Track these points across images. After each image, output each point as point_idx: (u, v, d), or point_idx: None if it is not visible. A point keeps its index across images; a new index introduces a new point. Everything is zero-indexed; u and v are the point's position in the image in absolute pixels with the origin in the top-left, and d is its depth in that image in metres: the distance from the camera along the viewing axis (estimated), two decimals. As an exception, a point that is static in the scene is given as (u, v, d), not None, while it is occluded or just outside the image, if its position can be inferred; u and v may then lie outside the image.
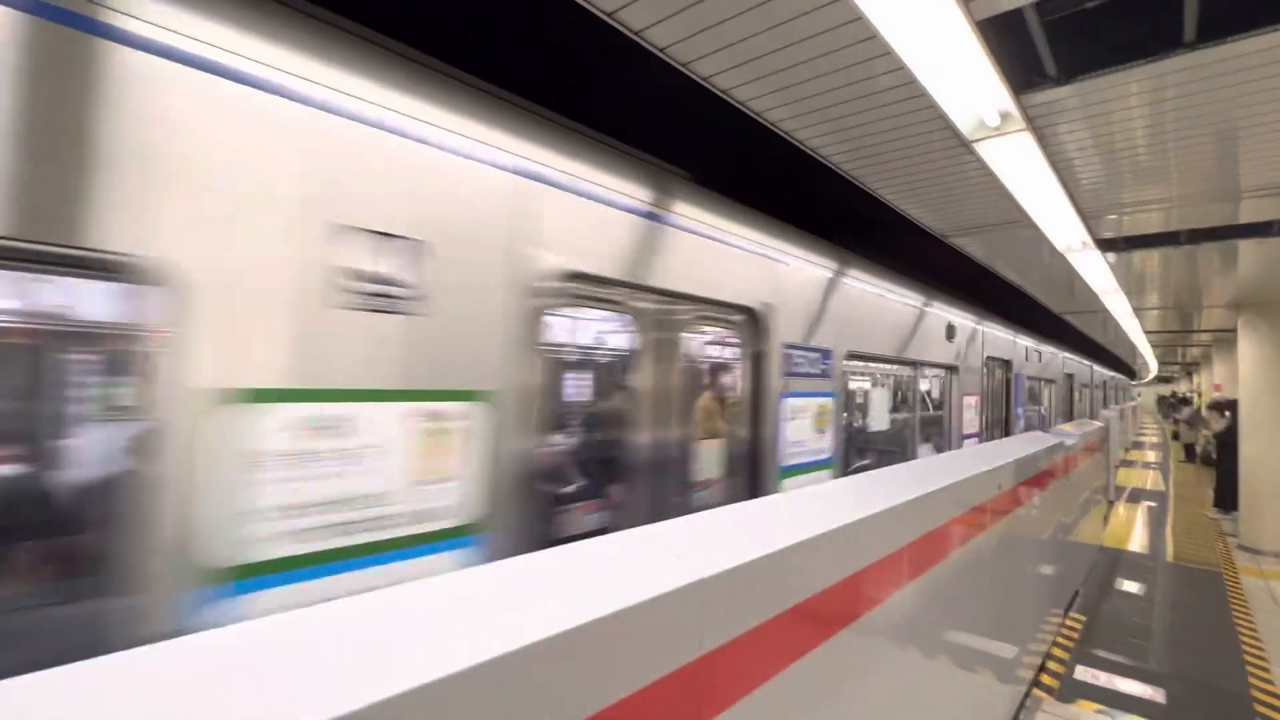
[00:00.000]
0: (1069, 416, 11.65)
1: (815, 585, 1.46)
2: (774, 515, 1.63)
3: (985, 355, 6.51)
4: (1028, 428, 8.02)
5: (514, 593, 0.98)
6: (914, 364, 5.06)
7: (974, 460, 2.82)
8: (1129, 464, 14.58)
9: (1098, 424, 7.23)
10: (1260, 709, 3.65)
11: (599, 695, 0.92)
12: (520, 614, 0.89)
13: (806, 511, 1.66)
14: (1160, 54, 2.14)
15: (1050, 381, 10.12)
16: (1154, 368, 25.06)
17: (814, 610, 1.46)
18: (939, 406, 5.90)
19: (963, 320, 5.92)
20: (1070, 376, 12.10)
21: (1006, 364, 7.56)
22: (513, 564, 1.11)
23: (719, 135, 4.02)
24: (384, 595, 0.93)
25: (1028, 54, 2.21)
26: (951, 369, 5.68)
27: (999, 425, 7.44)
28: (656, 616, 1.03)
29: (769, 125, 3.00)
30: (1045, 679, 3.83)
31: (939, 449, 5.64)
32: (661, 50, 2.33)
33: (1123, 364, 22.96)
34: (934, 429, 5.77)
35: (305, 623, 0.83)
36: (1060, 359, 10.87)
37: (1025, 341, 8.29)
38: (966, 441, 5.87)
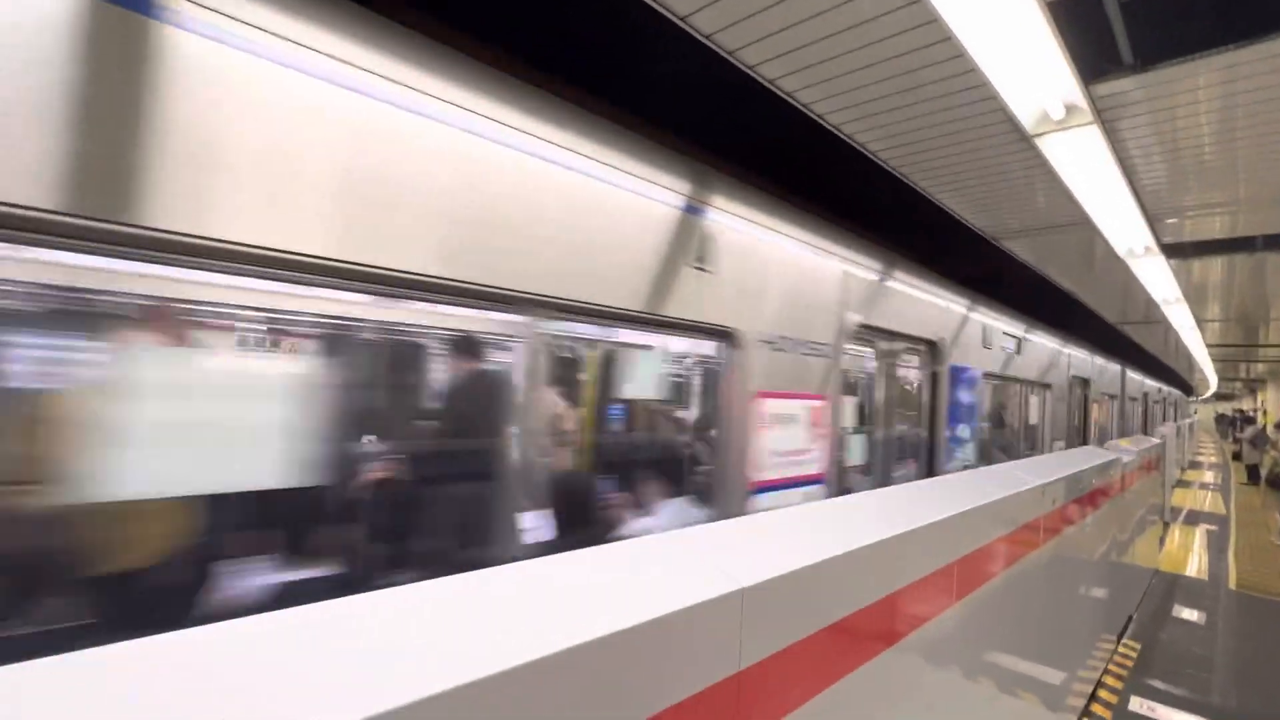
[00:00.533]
0: (1080, 441, 7.90)
1: (859, 600, 1.37)
2: (817, 524, 1.54)
3: (857, 322, 3.27)
4: (987, 461, 4.74)
5: (530, 598, 0.92)
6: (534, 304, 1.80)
7: (1024, 475, 2.67)
8: (1185, 484, 13.84)
9: (1154, 440, 6.84)
10: (1339, 755, 3.36)
11: (627, 712, 0.85)
12: (538, 621, 0.83)
13: (849, 523, 1.57)
14: (1254, 38, 1.96)
15: (1043, 386, 6.48)
16: (1214, 383, 23.80)
17: (857, 627, 1.37)
18: (670, 417, 3.27)
19: (782, 242, 2.73)
20: (1085, 383, 8.09)
21: (931, 347, 4.17)
22: (529, 566, 1.04)
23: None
24: (400, 593, 0.88)
25: (1103, 39, 2.05)
26: (723, 335, 2.46)
27: (903, 458, 4.09)
28: (693, 627, 0.96)
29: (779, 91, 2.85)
30: (1096, 708, 3.61)
31: (686, 516, 2.63)
32: None
33: (1177, 377, 21.81)
34: (638, 463, 2.98)
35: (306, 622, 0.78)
36: (1064, 356, 7.05)
37: (987, 319, 4.90)
38: (771, 497, 2.60)
